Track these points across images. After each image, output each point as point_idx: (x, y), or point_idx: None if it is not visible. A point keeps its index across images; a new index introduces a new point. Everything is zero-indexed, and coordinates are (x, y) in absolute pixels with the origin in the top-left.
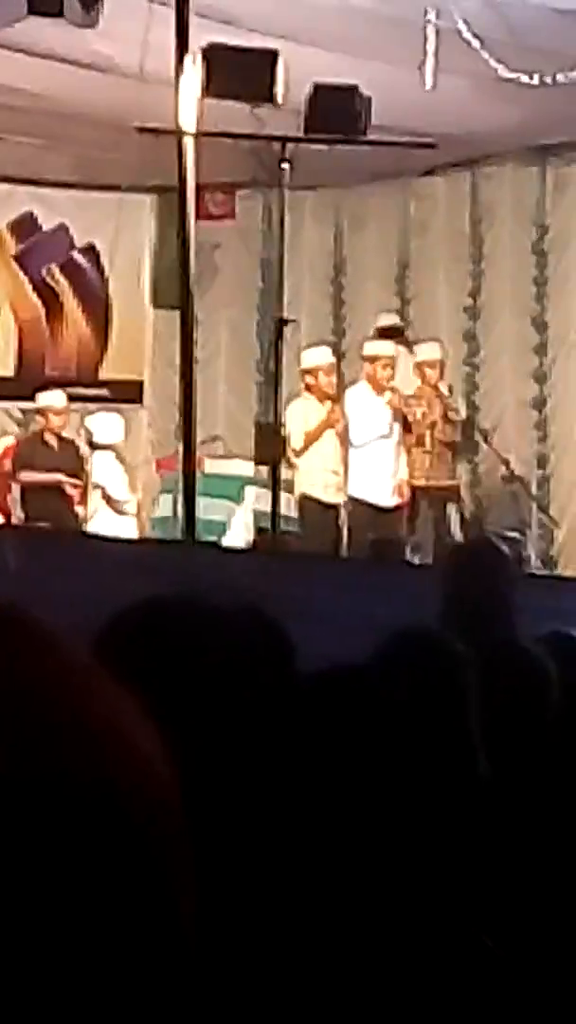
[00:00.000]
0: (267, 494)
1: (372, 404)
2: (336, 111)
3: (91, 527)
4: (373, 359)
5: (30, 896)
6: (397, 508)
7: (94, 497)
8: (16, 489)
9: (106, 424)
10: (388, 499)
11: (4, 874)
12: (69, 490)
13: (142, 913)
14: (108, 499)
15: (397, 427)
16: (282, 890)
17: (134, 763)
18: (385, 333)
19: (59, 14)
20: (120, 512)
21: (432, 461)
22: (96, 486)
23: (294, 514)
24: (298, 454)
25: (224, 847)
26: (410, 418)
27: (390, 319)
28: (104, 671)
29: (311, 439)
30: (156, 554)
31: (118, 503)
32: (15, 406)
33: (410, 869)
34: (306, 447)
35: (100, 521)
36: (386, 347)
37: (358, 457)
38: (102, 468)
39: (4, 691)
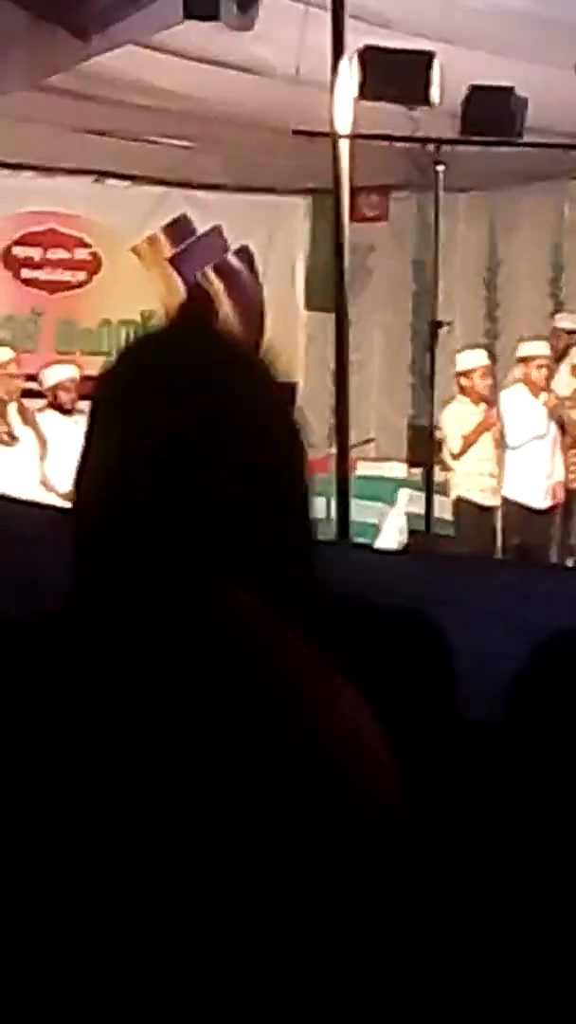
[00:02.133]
0: (420, 496)
1: (528, 405)
2: (491, 113)
3: None
4: (529, 360)
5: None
6: (551, 510)
7: None
8: None
9: None
10: (542, 500)
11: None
12: None
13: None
14: None
15: (553, 428)
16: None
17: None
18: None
19: (215, 18)
20: None
21: None
22: None
23: (447, 516)
24: (456, 457)
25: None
26: (566, 420)
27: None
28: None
29: (469, 442)
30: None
31: None
32: None
33: None
34: (464, 450)
35: None
36: (541, 348)
37: (513, 458)
38: None
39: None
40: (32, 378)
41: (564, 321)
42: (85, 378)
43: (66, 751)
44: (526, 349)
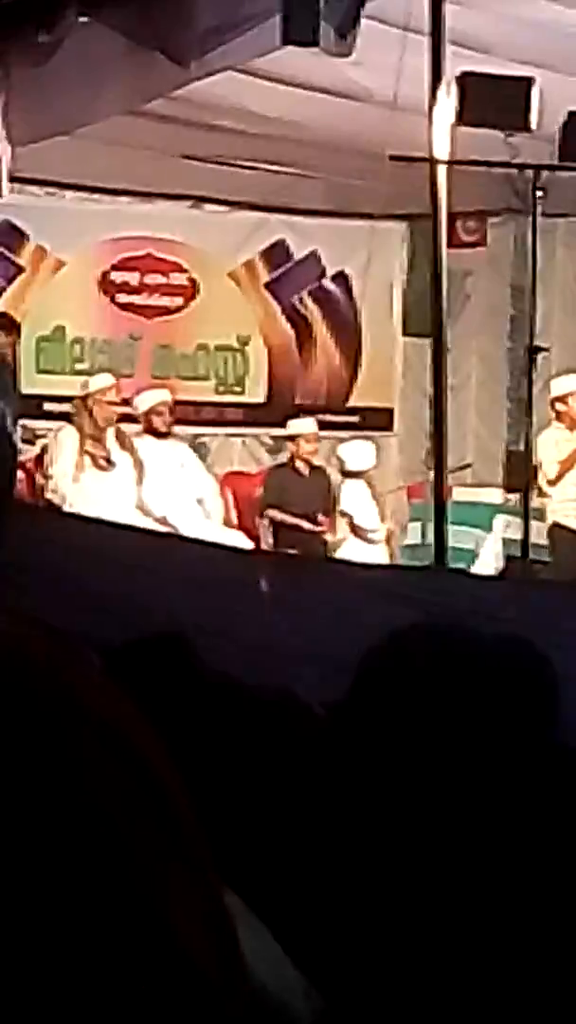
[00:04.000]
0: (517, 522)
1: None
2: None
3: (339, 555)
4: None
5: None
6: None
7: (342, 525)
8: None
9: (358, 451)
10: None
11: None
12: (322, 520)
13: None
14: (355, 528)
15: None
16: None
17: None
18: None
19: (314, 43)
20: (368, 541)
21: None
22: (344, 514)
23: (543, 542)
24: (552, 483)
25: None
26: None
27: None
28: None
29: (565, 468)
30: (409, 580)
31: (366, 531)
32: (266, 433)
33: None
34: (560, 476)
35: (348, 549)
36: None
37: None
38: (351, 496)
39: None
40: (128, 402)
41: None
42: (180, 403)
43: None
44: None
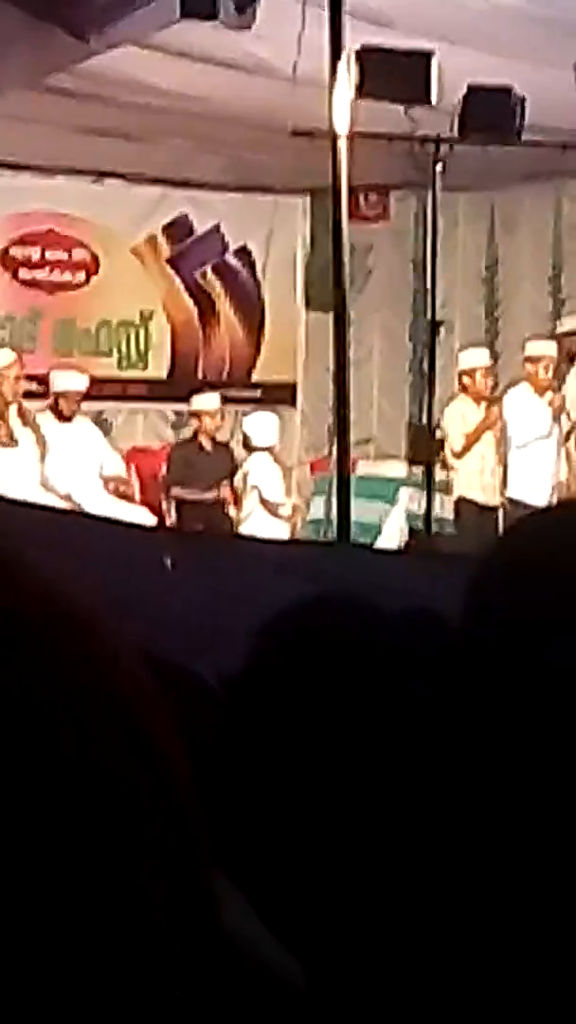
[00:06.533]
0: (420, 495)
1: (533, 405)
2: (490, 112)
3: (245, 530)
4: (536, 360)
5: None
6: None
7: (250, 499)
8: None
9: (262, 424)
10: (547, 500)
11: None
12: (224, 493)
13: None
14: (264, 502)
15: (557, 428)
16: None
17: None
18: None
19: (213, 17)
20: (275, 515)
21: None
22: (252, 488)
23: (447, 515)
24: (458, 456)
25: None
26: None
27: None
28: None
29: (471, 441)
30: (312, 556)
31: (274, 505)
32: (170, 408)
33: None
34: (466, 449)
35: (255, 524)
36: (548, 347)
37: (518, 458)
38: (257, 470)
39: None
40: (31, 378)
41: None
42: None
43: None
44: (533, 348)
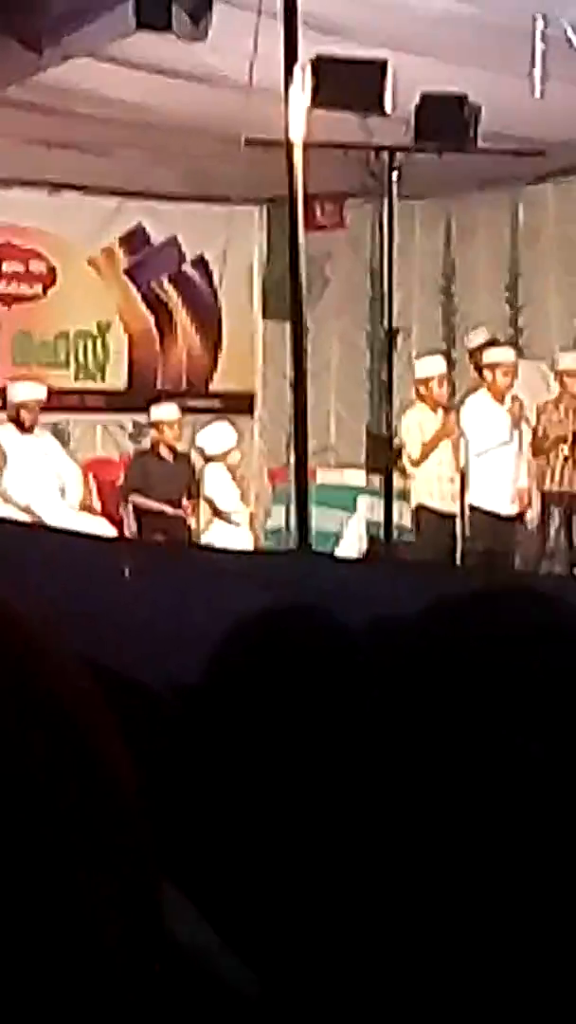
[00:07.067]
0: (379, 504)
1: (492, 412)
2: (445, 120)
3: (204, 539)
4: (494, 366)
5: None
6: (517, 516)
7: (206, 510)
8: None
9: (217, 435)
10: (508, 507)
11: None
12: (184, 504)
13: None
14: (218, 512)
15: (517, 434)
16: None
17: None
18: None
19: (167, 28)
20: (231, 523)
21: (568, 469)
22: (207, 499)
23: (406, 523)
24: (415, 464)
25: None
26: (546, 425)
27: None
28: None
29: (428, 449)
30: (270, 565)
31: (228, 515)
32: (128, 419)
33: None
34: (424, 457)
35: (213, 533)
36: (507, 354)
37: (478, 465)
38: (213, 480)
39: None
40: None
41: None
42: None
43: None
44: (491, 355)
